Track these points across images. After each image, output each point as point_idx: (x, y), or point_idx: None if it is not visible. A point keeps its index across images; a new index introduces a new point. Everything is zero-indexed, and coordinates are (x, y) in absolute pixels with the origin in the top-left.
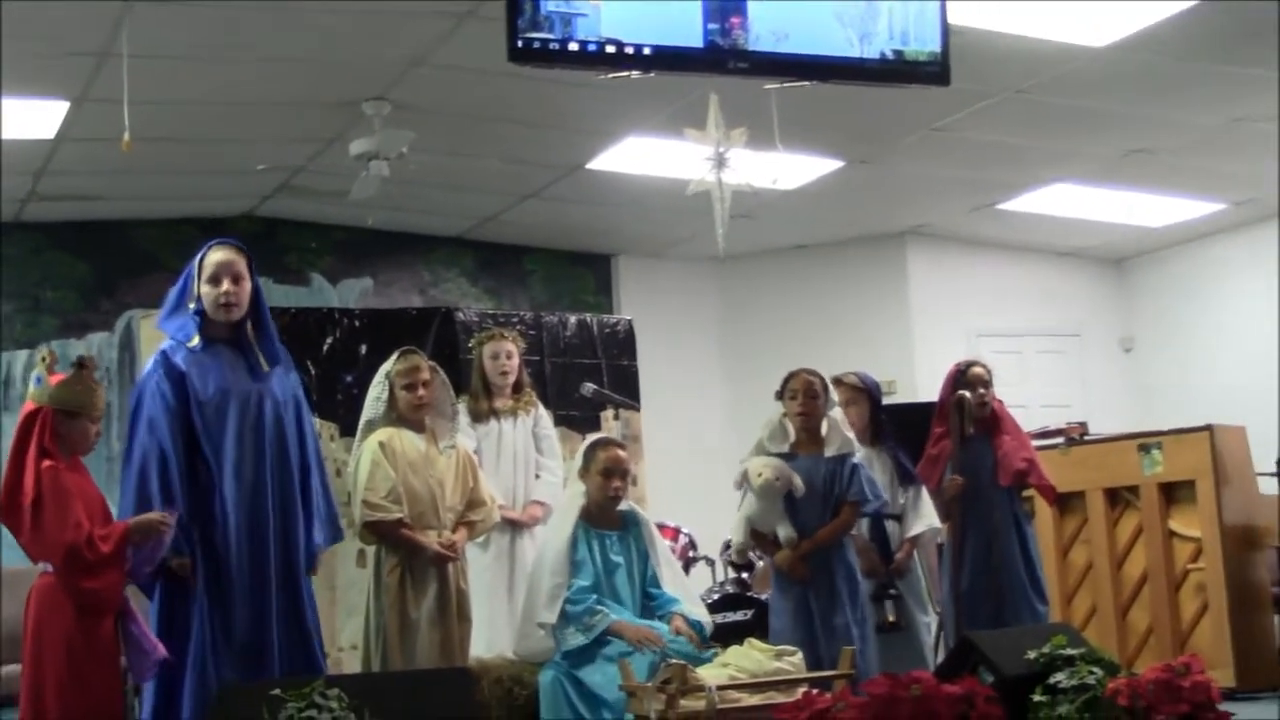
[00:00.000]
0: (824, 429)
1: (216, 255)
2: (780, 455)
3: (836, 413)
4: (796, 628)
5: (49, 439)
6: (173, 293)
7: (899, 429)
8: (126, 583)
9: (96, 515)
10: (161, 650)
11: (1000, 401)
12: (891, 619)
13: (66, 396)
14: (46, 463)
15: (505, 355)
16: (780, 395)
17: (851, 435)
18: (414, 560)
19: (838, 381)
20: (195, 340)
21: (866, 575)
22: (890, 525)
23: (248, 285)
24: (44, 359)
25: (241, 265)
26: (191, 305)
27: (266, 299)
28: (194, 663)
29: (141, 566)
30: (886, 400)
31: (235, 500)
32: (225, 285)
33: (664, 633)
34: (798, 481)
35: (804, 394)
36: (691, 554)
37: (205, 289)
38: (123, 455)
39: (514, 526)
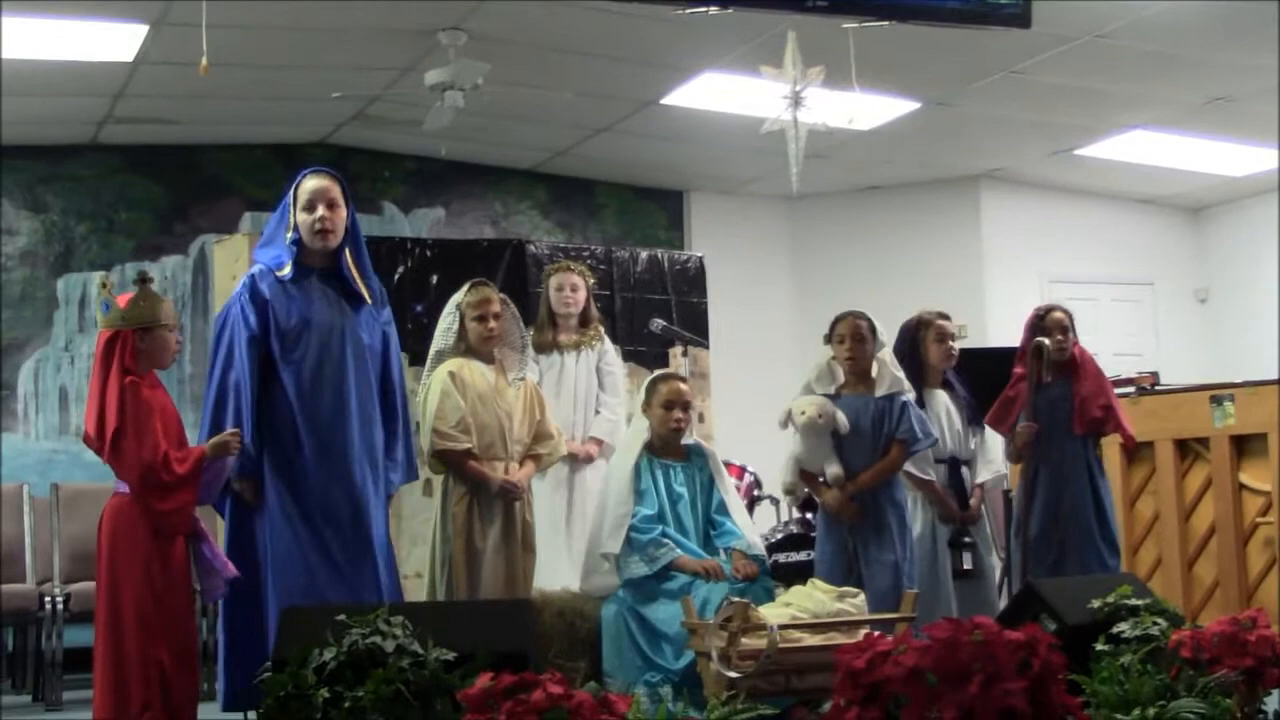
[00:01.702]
0: (874, 370)
1: (311, 182)
2: (826, 395)
3: (886, 354)
4: (835, 570)
5: (129, 359)
6: (270, 222)
7: (968, 374)
8: (197, 503)
9: (173, 434)
10: (232, 569)
11: (1082, 348)
12: (966, 567)
13: (137, 314)
14: (129, 379)
15: (570, 287)
16: (829, 339)
17: (901, 374)
18: (480, 491)
19: (929, 321)
20: (287, 269)
21: (943, 522)
22: (966, 472)
23: (343, 212)
24: (103, 284)
25: (336, 192)
26: (289, 235)
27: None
28: (273, 577)
29: (210, 486)
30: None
31: (311, 425)
32: (320, 211)
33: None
34: (842, 418)
35: (851, 337)
36: (756, 493)
37: (301, 216)
38: (206, 377)
39: (573, 460)
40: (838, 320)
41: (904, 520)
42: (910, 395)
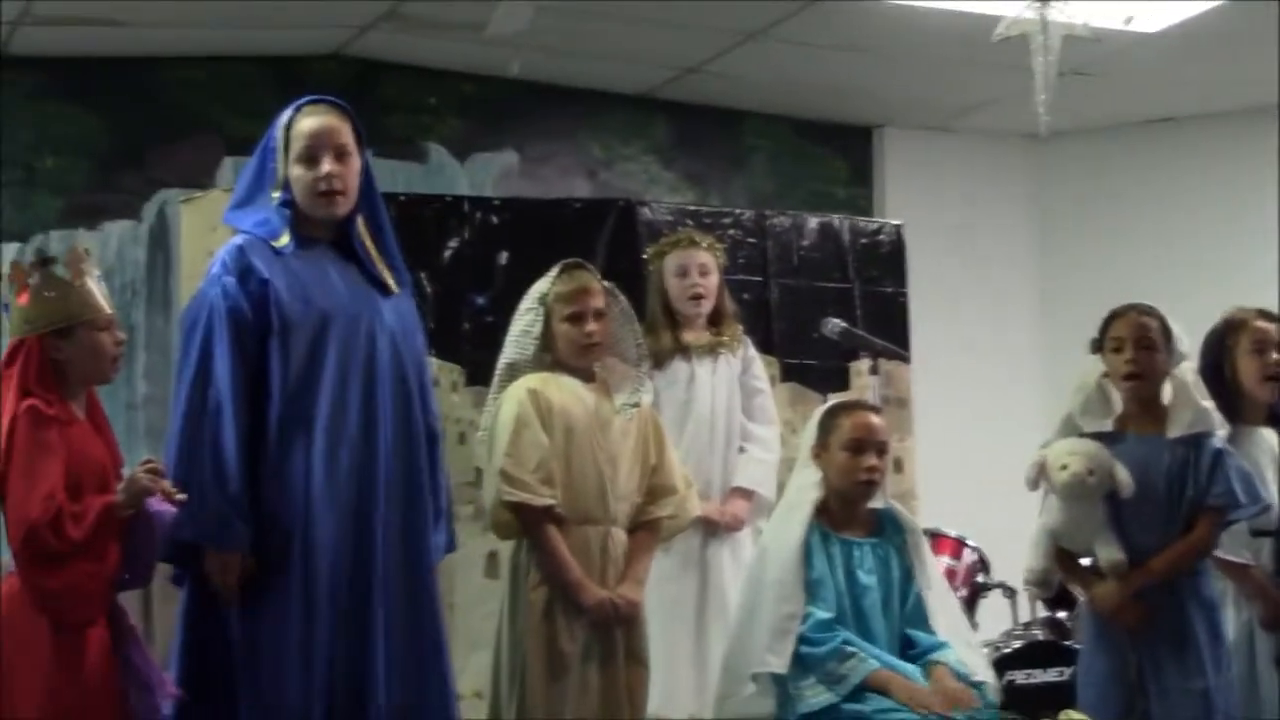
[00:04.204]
0: (1166, 395)
1: (310, 121)
2: (1098, 436)
3: (1188, 370)
4: (1108, 700)
5: (33, 376)
6: (245, 173)
7: None
8: (116, 583)
9: (89, 483)
10: (170, 688)
11: None
12: None
13: (42, 312)
14: (26, 403)
15: (698, 270)
16: (1099, 346)
17: (1209, 404)
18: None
19: (1242, 322)
20: (285, 238)
21: (1269, 627)
22: None
23: (356, 163)
24: (13, 269)
25: (347, 135)
26: (276, 194)
27: None
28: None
29: (137, 558)
30: None
31: (326, 472)
32: (326, 165)
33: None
34: (1123, 476)
35: (1134, 343)
36: (981, 579)
37: (297, 171)
38: (171, 399)
39: (706, 526)
40: (1114, 317)
41: (1217, 628)
42: (1224, 433)
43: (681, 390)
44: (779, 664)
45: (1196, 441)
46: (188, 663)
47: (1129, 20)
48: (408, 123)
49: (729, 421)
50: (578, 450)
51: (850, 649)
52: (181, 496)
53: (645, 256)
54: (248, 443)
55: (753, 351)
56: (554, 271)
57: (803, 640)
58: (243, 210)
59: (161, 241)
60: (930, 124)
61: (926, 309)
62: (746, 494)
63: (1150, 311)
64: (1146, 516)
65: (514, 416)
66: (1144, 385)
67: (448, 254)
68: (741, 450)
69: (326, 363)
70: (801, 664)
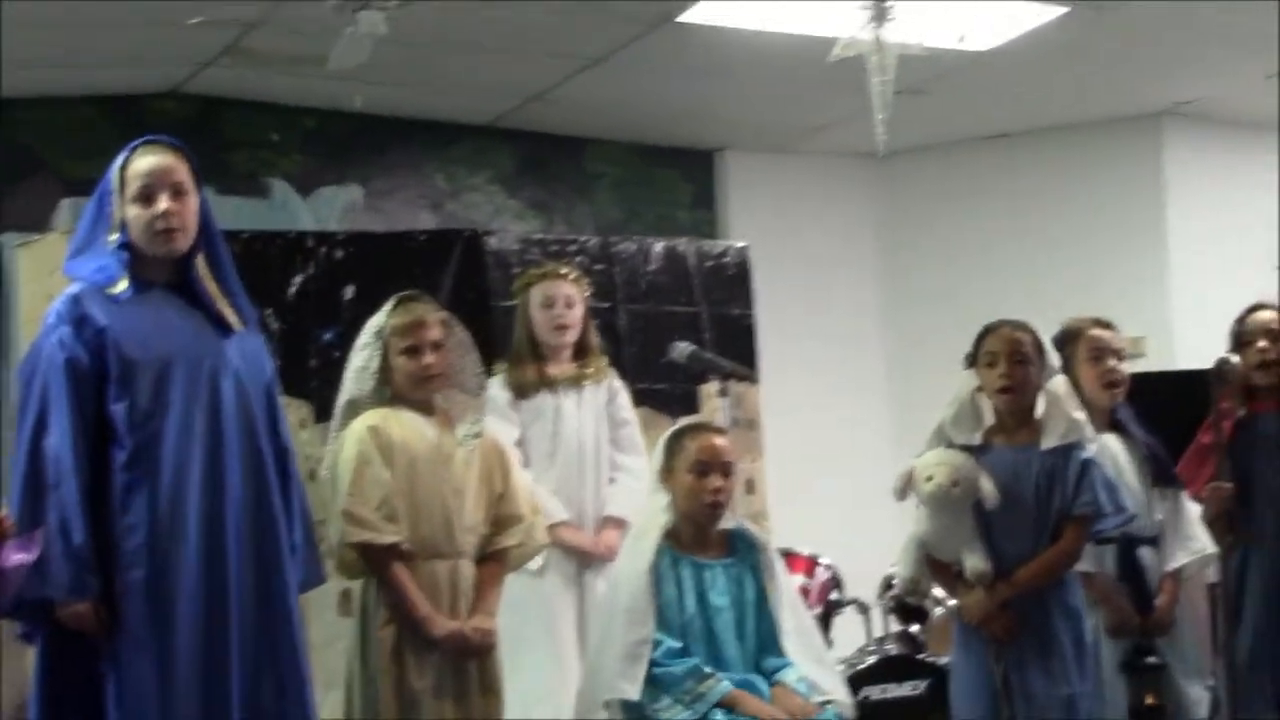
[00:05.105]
0: (1039, 408)
1: (145, 161)
2: (966, 448)
3: (1060, 384)
4: (975, 709)
5: None
6: (83, 220)
7: (1151, 410)
8: None
9: None
10: None
11: None
12: (1150, 700)
13: None
14: None
15: (564, 302)
16: (972, 361)
17: (1081, 416)
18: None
19: (1079, 331)
20: (122, 284)
21: (1114, 633)
22: (1148, 554)
23: (193, 202)
24: None
25: (184, 173)
26: (113, 237)
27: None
28: None
29: None
30: (1132, 365)
31: (174, 516)
32: (163, 203)
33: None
34: (988, 487)
35: (1007, 358)
36: (835, 596)
37: (133, 211)
38: (12, 452)
39: (581, 557)
40: (987, 332)
41: (1082, 636)
42: (1094, 448)
43: (549, 423)
44: (631, 690)
45: (1064, 452)
46: (46, 716)
47: (962, 38)
48: (250, 159)
49: (597, 452)
50: (421, 484)
51: (708, 670)
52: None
53: (512, 289)
54: (90, 492)
55: (618, 382)
56: (389, 305)
57: (655, 664)
58: (81, 257)
59: None
60: (772, 146)
61: (774, 330)
62: (619, 523)
63: (1023, 326)
64: (1015, 526)
65: (355, 455)
66: (1017, 399)
67: (293, 290)
68: (612, 480)
69: (170, 406)
70: (657, 685)
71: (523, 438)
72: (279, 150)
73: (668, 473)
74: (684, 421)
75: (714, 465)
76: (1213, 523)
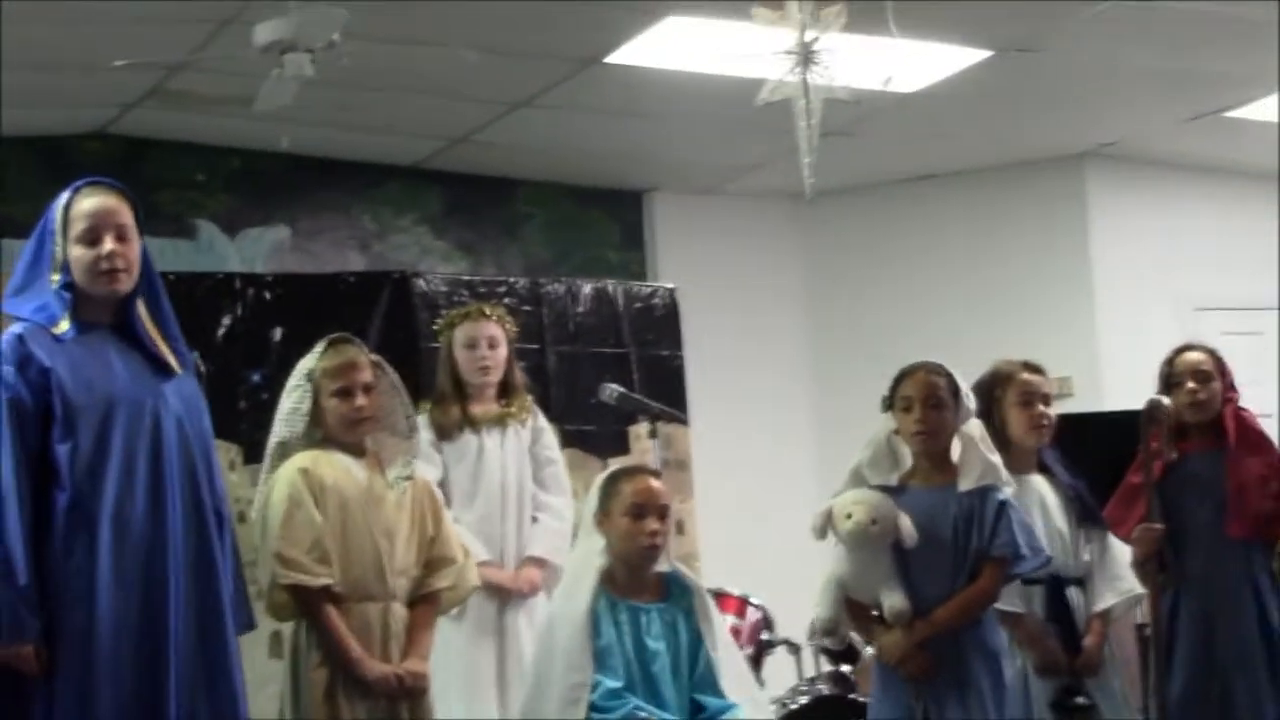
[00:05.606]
0: (955, 451)
1: (90, 202)
2: (884, 489)
3: (975, 426)
4: None
5: None
6: (22, 259)
7: (1078, 451)
8: None
9: None
10: None
11: (1239, 406)
12: None
13: None
14: None
15: (487, 343)
16: (889, 404)
17: (997, 459)
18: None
19: (1009, 375)
20: (64, 324)
21: (1043, 673)
22: (1075, 596)
23: (137, 244)
24: None
25: (128, 215)
26: (55, 276)
27: None
28: None
29: None
30: (1059, 405)
31: (114, 557)
32: (108, 244)
33: None
34: (907, 526)
35: (923, 402)
36: (766, 636)
37: (77, 251)
38: None
39: (501, 595)
40: (903, 376)
41: (999, 676)
42: (1011, 490)
43: (471, 463)
44: None
45: (981, 493)
46: None
47: (888, 81)
48: (176, 199)
49: (520, 492)
50: (353, 527)
51: (642, 714)
52: None
53: (436, 328)
54: (33, 533)
55: (543, 422)
56: (320, 347)
57: (594, 708)
58: (21, 296)
59: None
60: (700, 187)
61: (702, 371)
62: (540, 562)
63: (939, 370)
64: (933, 566)
65: (286, 497)
66: (933, 442)
67: (221, 332)
68: (534, 520)
69: (112, 448)
70: None
71: (445, 479)
72: (205, 191)
73: (604, 516)
74: (619, 465)
75: (650, 508)
76: (1144, 564)
